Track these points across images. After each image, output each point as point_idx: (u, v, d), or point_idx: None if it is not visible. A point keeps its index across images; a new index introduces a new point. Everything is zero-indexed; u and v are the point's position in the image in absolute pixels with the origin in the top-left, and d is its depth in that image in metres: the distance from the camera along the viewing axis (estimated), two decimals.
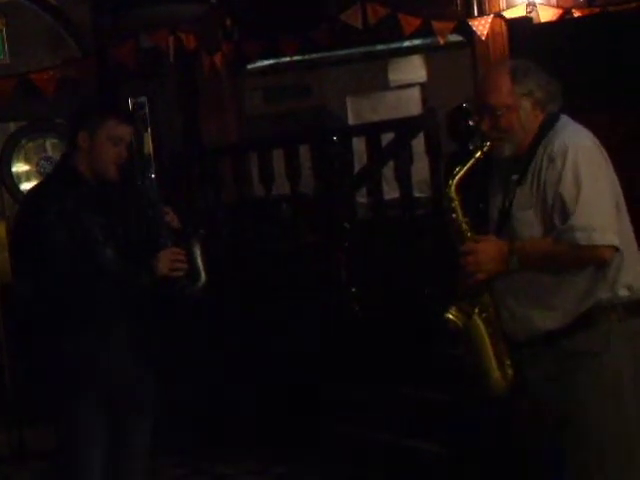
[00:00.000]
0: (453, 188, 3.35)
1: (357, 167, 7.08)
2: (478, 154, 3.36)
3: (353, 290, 6.46)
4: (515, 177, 3.35)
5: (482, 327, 3.36)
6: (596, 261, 3.19)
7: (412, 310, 6.09)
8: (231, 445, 6.49)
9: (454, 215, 3.37)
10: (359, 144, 7.07)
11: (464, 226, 3.36)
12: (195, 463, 6.40)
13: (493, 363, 3.37)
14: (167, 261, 3.67)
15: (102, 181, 3.76)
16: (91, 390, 3.70)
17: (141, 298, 3.70)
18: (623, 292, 3.27)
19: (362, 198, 7.06)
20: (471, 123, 4.94)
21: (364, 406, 6.08)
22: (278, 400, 6.48)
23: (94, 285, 3.64)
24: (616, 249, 3.17)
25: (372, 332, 6.23)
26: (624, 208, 3.34)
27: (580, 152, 3.22)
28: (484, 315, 3.37)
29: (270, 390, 6.54)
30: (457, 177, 3.36)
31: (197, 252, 3.76)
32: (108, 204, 3.77)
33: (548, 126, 3.33)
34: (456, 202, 3.36)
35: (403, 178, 6.65)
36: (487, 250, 3.29)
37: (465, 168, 3.36)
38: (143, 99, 8.80)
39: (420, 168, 6.86)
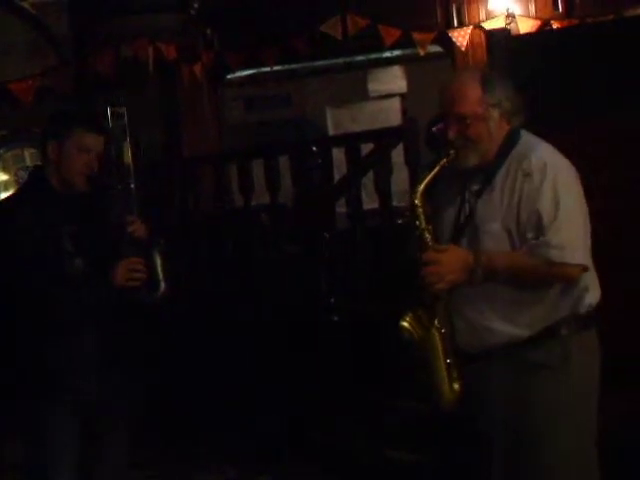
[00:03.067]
0: (419, 195, 3.29)
1: (337, 177, 7.08)
2: (443, 161, 3.31)
3: (332, 300, 6.46)
4: (475, 188, 3.31)
5: (438, 340, 3.30)
6: (564, 279, 3.21)
7: (392, 320, 6.08)
8: (211, 454, 6.48)
9: (417, 222, 3.31)
10: (339, 154, 7.07)
11: (426, 234, 3.30)
12: (169, 474, 6.36)
13: (444, 376, 3.32)
14: (124, 272, 3.67)
15: (72, 191, 3.74)
16: (56, 397, 3.68)
17: (110, 305, 3.69)
18: (583, 310, 3.30)
19: (341, 208, 7.06)
20: (434, 130, 4.91)
21: (346, 416, 6.08)
22: (255, 410, 6.47)
23: (58, 295, 3.62)
24: (585, 268, 3.21)
25: (351, 342, 6.23)
26: (589, 227, 3.34)
27: (559, 170, 3.22)
28: (443, 329, 3.30)
29: (247, 399, 6.53)
30: (422, 184, 3.31)
31: (157, 262, 3.76)
32: (80, 214, 3.75)
33: (514, 139, 3.32)
34: (420, 209, 3.30)
35: (382, 188, 6.66)
36: (450, 261, 3.22)
37: (430, 175, 3.31)
38: (123, 109, 8.79)
39: (399, 178, 6.87)
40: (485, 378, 3.31)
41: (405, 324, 3.35)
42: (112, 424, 3.85)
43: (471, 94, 3.28)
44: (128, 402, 3.89)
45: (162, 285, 3.77)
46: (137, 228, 3.74)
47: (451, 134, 3.30)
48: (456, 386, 3.32)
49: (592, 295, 3.32)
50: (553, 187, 3.18)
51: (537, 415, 3.24)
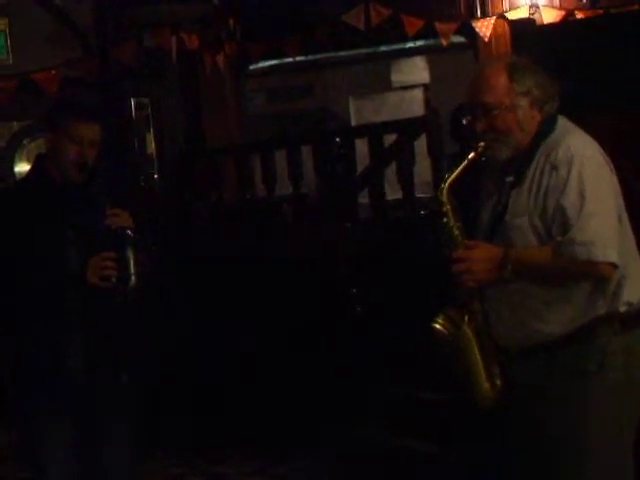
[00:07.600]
0: (445, 192, 3.17)
1: (359, 168, 7.08)
2: (471, 155, 3.17)
3: (354, 290, 6.45)
4: (510, 179, 3.17)
5: (472, 338, 3.21)
6: (594, 277, 3.04)
7: (413, 310, 6.07)
8: (230, 445, 6.48)
9: (445, 220, 3.18)
10: (361, 145, 7.07)
11: (456, 231, 3.18)
12: (193, 463, 6.37)
13: (482, 374, 3.20)
14: (96, 269, 3.55)
15: (70, 181, 3.71)
16: (52, 390, 3.66)
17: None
18: (622, 308, 3.11)
19: (364, 199, 7.06)
20: (464, 122, 4.79)
21: (362, 406, 6.08)
22: (276, 400, 6.47)
23: (53, 286, 3.60)
24: (615, 266, 3.00)
25: (373, 332, 6.23)
26: (626, 220, 3.17)
27: (586, 163, 3.03)
28: (473, 324, 3.20)
29: (268, 390, 6.54)
30: (449, 180, 3.17)
31: (130, 255, 3.65)
32: (78, 204, 3.71)
33: (548, 128, 3.15)
34: (448, 206, 3.17)
35: (405, 179, 6.66)
36: (481, 258, 3.12)
37: (457, 171, 3.18)
38: (145, 99, 8.82)
39: (422, 169, 6.86)
40: (519, 377, 3.20)
41: (437, 326, 3.23)
42: (108, 418, 3.78)
43: (498, 83, 3.12)
44: (124, 395, 3.80)
45: (132, 279, 3.67)
46: (115, 220, 3.60)
47: (479, 127, 3.16)
48: (498, 382, 3.22)
49: (631, 291, 3.11)
50: (579, 181, 3.00)
51: (569, 418, 3.11)
